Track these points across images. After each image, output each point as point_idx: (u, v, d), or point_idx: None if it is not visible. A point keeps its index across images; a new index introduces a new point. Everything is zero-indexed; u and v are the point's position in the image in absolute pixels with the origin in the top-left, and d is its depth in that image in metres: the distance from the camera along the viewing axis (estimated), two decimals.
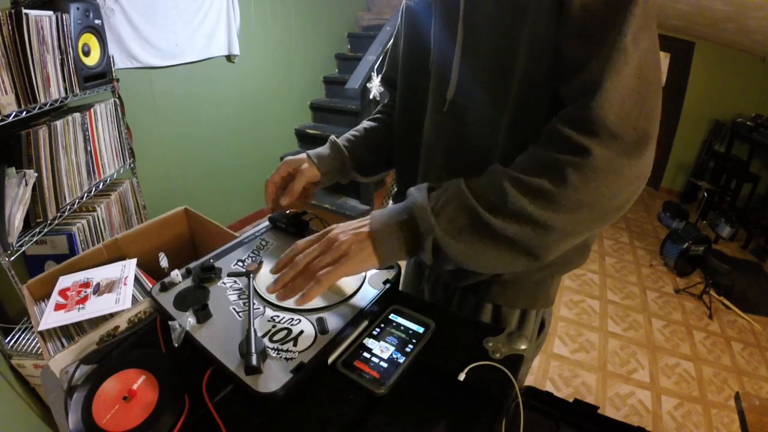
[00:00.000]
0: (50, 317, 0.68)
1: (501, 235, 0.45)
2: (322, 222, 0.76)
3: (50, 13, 1.31)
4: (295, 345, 0.48)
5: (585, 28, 0.44)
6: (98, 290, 0.73)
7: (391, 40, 0.87)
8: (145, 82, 2.16)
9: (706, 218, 3.58)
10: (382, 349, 0.51)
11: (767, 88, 3.64)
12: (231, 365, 0.46)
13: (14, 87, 1.22)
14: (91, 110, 1.57)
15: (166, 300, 0.55)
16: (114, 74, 1.69)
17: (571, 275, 2.82)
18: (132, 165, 1.89)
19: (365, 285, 0.58)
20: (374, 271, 0.61)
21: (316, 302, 0.54)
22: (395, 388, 0.47)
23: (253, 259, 0.64)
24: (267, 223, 0.74)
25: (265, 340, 0.48)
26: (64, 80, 1.40)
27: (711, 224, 3.55)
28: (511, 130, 0.54)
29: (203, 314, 0.51)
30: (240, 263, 0.63)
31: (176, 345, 0.50)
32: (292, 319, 0.52)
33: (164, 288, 0.57)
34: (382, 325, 0.55)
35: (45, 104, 1.32)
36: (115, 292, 0.73)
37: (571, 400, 0.62)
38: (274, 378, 0.44)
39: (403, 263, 0.68)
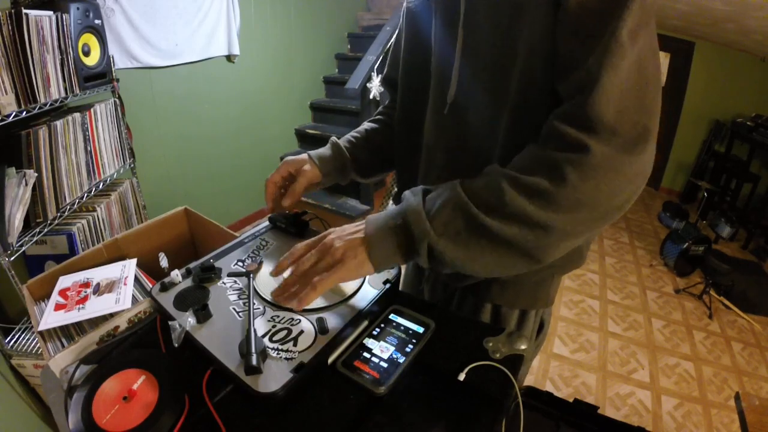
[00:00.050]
0: (50, 317, 0.68)
1: (498, 236, 0.44)
2: (322, 222, 0.76)
3: (50, 13, 1.31)
4: (295, 345, 0.48)
5: (581, 25, 0.44)
6: (98, 290, 0.73)
7: (392, 41, 0.87)
8: (145, 82, 2.16)
9: (706, 218, 3.58)
10: (382, 349, 0.51)
11: (767, 88, 3.64)
12: (231, 365, 0.46)
13: (14, 87, 1.22)
14: (91, 110, 1.57)
15: (166, 300, 0.55)
16: (114, 74, 1.69)
17: (571, 275, 2.82)
18: (132, 165, 1.89)
19: (365, 285, 0.58)
20: None
21: (316, 302, 0.54)
22: (395, 388, 0.47)
23: (253, 259, 0.64)
24: (267, 223, 0.74)
25: (265, 340, 0.48)
26: (64, 80, 1.40)
27: (711, 224, 3.55)
28: (511, 130, 0.53)
29: (203, 314, 0.51)
30: (240, 263, 0.63)
31: (176, 345, 0.50)
32: (292, 319, 0.52)
33: (164, 288, 0.57)
34: (382, 325, 0.55)
35: (45, 104, 1.32)
36: (115, 292, 0.73)
37: (571, 400, 0.62)
38: (274, 378, 0.44)
39: None
